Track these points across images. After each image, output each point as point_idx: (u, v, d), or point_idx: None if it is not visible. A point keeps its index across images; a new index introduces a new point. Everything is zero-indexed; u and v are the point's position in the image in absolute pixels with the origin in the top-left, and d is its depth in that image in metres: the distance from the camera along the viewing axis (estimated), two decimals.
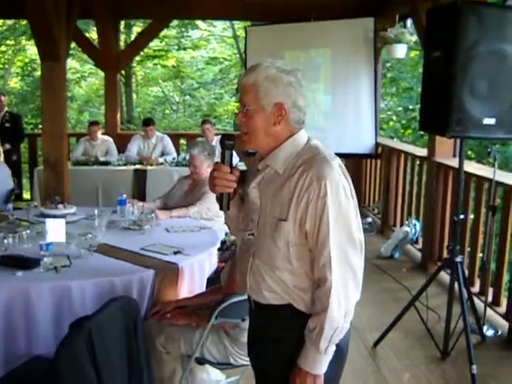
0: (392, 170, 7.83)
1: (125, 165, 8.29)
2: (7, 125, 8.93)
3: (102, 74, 11.24)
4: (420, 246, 6.86)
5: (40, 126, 12.08)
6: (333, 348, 2.13)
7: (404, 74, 15.31)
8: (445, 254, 5.91)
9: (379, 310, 5.25)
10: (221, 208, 2.26)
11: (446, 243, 5.94)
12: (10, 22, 17.20)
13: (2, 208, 5.68)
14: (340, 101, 8.15)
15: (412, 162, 7.42)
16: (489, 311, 4.91)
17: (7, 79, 19.65)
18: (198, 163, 5.13)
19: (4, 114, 9.00)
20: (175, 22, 17.00)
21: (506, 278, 5.09)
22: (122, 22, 15.01)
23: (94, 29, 11.72)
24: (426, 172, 6.64)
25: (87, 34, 12.33)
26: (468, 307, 4.30)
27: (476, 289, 5.37)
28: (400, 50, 7.62)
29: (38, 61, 7.16)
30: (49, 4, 6.13)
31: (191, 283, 3.77)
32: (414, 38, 7.43)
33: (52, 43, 6.42)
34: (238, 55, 19.04)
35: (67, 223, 4.19)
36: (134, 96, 20.27)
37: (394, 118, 15.94)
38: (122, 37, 15.43)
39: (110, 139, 8.96)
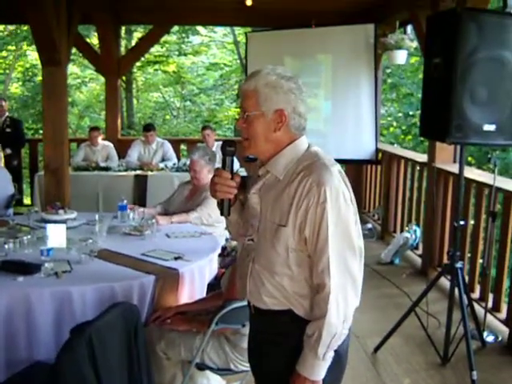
0: (392, 175, 7.84)
1: (125, 170, 8.30)
2: (8, 130, 8.94)
3: (102, 79, 11.26)
4: (420, 251, 6.86)
5: (41, 132, 12.11)
6: (331, 354, 2.13)
7: (404, 79, 15.33)
8: (445, 260, 5.91)
9: (379, 315, 5.25)
10: (221, 214, 2.27)
11: (446, 249, 5.94)
12: (11, 27, 17.26)
13: (2, 213, 5.70)
14: (340, 107, 8.15)
15: (412, 168, 7.42)
16: (489, 317, 4.91)
17: (8, 84, 19.67)
18: (198, 168, 5.13)
19: (5, 119, 9.02)
20: (176, 28, 17.04)
21: (506, 283, 5.09)
22: (123, 28, 15.06)
23: (95, 34, 11.76)
24: (427, 178, 6.65)
25: (88, 40, 12.35)
26: (468, 313, 4.30)
27: (476, 295, 5.37)
28: (400, 56, 7.63)
29: (39, 66, 7.17)
30: (50, 9, 6.14)
31: (191, 289, 3.77)
32: (415, 44, 7.44)
33: (53, 48, 6.43)
34: (238, 61, 19.08)
35: (68, 228, 4.19)
36: (135, 101, 20.30)
37: (395, 123, 15.95)
38: (123, 42, 15.48)
39: (111, 145, 8.97)
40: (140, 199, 7.68)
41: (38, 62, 7.43)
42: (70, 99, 17.29)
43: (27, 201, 9.95)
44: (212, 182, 2.24)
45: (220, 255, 4.16)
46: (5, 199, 6.31)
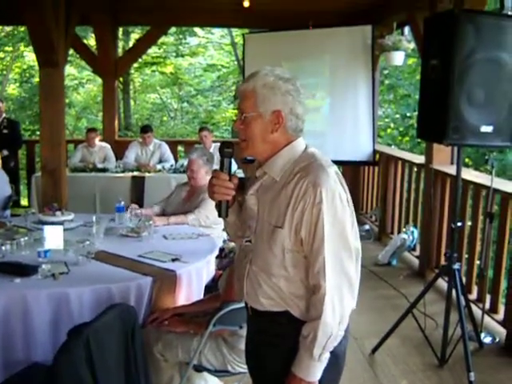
0: (390, 177, 7.85)
1: (122, 172, 8.29)
2: (5, 131, 8.91)
3: (100, 80, 11.22)
4: (417, 253, 6.87)
5: (38, 133, 12.06)
6: (327, 355, 2.13)
7: (402, 81, 15.33)
8: (442, 261, 5.93)
9: (377, 317, 5.25)
10: (219, 215, 2.27)
11: (443, 250, 5.95)
12: (8, 28, 17.22)
13: None
14: (338, 108, 8.16)
15: (409, 169, 7.43)
16: (486, 318, 4.92)
17: (5, 85, 19.64)
18: (195, 168, 5.11)
19: (2, 120, 8.98)
20: (173, 29, 17.01)
21: (503, 284, 5.09)
22: (121, 29, 15.01)
23: (93, 35, 11.75)
24: (424, 179, 6.65)
25: (85, 41, 12.37)
26: (466, 314, 4.31)
27: (474, 296, 5.38)
28: (398, 58, 7.64)
29: (37, 67, 7.18)
30: (47, 11, 6.14)
31: (189, 290, 3.77)
32: (412, 45, 7.46)
33: (50, 50, 6.43)
34: (235, 62, 19.07)
35: (65, 230, 4.19)
36: (132, 103, 20.27)
37: (392, 125, 15.95)
38: (120, 43, 15.41)
39: (108, 146, 8.96)
40: (137, 200, 7.65)
41: (36, 63, 7.44)
42: (67, 100, 17.27)
43: (24, 202, 9.94)
44: (210, 183, 2.24)
45: (217, 257, 4.16)
46: (2, 200, 6.30)
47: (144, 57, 16.23)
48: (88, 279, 3.46)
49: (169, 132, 19.48)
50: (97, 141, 8.80)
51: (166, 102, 21.64)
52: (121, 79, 16.35)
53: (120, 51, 12.24)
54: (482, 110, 3.90)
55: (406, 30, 8.08)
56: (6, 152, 8.70)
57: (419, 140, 10.60)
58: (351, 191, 2.17)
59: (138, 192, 7.91)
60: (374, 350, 4.58)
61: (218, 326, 3.12)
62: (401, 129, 15.52)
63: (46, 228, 4.05)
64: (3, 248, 3.85)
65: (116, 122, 10.45)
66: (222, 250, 4.22)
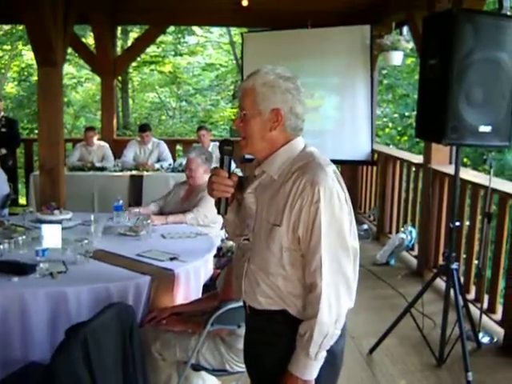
0: (388, 176, 7.85)
1: (121, 171, 8.28)
2: (3, 130, 8.90)
3: (98, 79, 11.20)
4: (416, 252, 6.87)
5: (36, 131, 12.07)
6: (323, 354, 2.13)
7: (400, 80, 15.34)
8: (440, 261, 5.93)
9: (375, 316, 5.25)
10: (218, 212, 2.27)
11: (441, 250, 5.95)
12: (6, 26, 17.20)
13: None
14: (336, 107, 8.17)
15: (408, 169, 7.43)
16: (484, 318, 4.92)
17: (3, 84, 19.62)
18: (193, 166, 5.11)
19: (0, 118, 8.98)
20: (172, 28, 17.02)
21: (501, 284, 5.09)
22: (119, 28, 15.03)
23: (91, 34, 11.74)
24: (422, 179, 6.66)
25: (84, 40, 12.36)
26: (463, 314, 4.31)
27: (472, 296, 5.38)
28: (396, 57, 7.64)
29: (35, 66, 7.16)
30: (46, 9, 6.12)
31: (187, 289, 3.77)
32: (411, 45, 7.46)
33: (49, 48, 6.42)
34: (234, 61, 19.07)
35: (63, 229, 4.20)
36: (131, 102, 20.26)
37: (390, 124, 15.95)
38: (119, 42, 15.42)
39: (106, 145, 8.95)
40: (135, 199, 7.67)
41: (34, 62, 7.41)
42: (65, 99, 17.26)
43: (22, 201, 9.94)
44: (209, 180, 2.25)
45: (215, 256, 4.16)
46: (0, 199, 6.30)
47: (143, 56, 16.23)
48: (86, 278, 3.47)
49: (167, 131, 19.46)
50: (95, 140, 8.79)
51: (165, 101, 21.62)
52: (119, 78, 16.33)
53: (119, 50, 12.26)
54: (480, 109, 3.90)
55: (405, 29, 8.08)
56: (4, 151, 8.70)
57: (418, 140, 10.61)
58: (349, 191, 2.17)
59: (136, 191, 7.90)
60: (372, 349, 4.58)
61: (215, 326, 3.12)
62: (399, 128, 15.52)
63: (44, 227, 4.04)
64: (1, 247, 3.86)
65: (114, 120, 10.46)
66: (219, 248, 4.22)
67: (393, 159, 7.83)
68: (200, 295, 3.88)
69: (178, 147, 11.16)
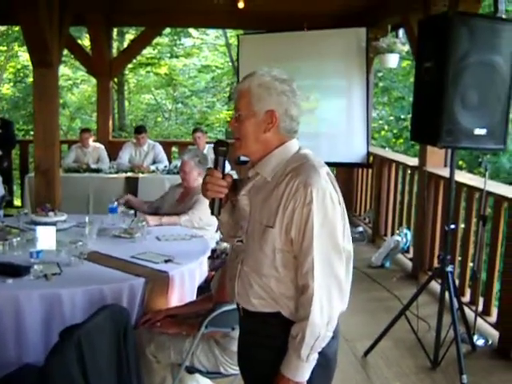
0: (383, 179, 7.85)
1: (116, 172, 8.28)
2: None
3: (94, 81, 11.22)
4: (411, 255, 6.87)
5: (32, 133, 12.04)
6: (315, 356, 2.13)
7: (396, 83, 15.36)
8: (435, 264, 5.92)
9: (369, 319, 5.25)
10: (212, 213, 2.28)
11: (436, 253, 5.95)
12: (2, 28, 17.17)
13: None
14: (332, 110, 8.15)
15: (403, 172, 7.44)
16: (479, 321, 4.93)
17: None
18: (187, 169, 5.12)
19: None
20: (168, 30, 17.00)
21: (496, 287, 5.10)
22: (115, 30, 15.00)
23: (87, 36, 11.72)
24: (418, 181, 6.66)
25: (80, 41, 12.32)
26: (458, 317, 4.31)
27: (466, 298, 5.38)
28: (392, 60, 7.65)
29: (31, 67, 7.15)
30: (41, 10, 6.12)
31: (181, 292, 3.76)
32: (406, 47, 7.47)
33: (44, 50, 6.41)
34: (230, 63, 19.05)
35: (58, 231, 4.18)
36: (126, 103, 20.22)
37: (386, 127, 15.97)
38: (115, 44, 15.40)
39: (102, 146, 8.95)
40: None
41: (30, 63, 7.41)
42: (61, 101, 17.22)
43: (18, 202, 9.91)
44: (204, 180, 2.25)
45: (209, 258, 4.14)
46: None
47: (138, 57, 16.20)
48: (80, 280, 3.46)
49: (163, 133, 19.44)
50: (91, 141, 8.78)
51: (161, 103, 21.61)
52: (115, 80, 16.27)
53: (115, 52, 12.25)
54: (475, 112, 3.91)
55: (401, 32, 8.10)
56: None
57: (413, 142, 10.63)
58: (345, 193, 2.18)
59: (131, 193, 7.83)
60: (367, 352, 4.58)
61: (210, 328, 3.12)
62: (395, 131, 15.54)
63: (39, 228, 4.03)
64: None
65: (110, 122, 10.45)
66: (214, 250, 4.20)
67: (388, 162, 7.84)
68: (194, 297, 3.88)
69: (174, 149, 11.16)
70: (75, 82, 20.26)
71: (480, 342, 4.75)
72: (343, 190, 2.17)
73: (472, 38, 3.81)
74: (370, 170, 8.58)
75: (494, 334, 4.85)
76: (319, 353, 2.14)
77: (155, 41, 15.41)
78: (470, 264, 5.39)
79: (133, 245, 4.29)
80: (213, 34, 19.52)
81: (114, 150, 9.09)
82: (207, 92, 20.91)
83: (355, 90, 7.96)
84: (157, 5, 8.78)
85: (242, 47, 8.75)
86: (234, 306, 2.48)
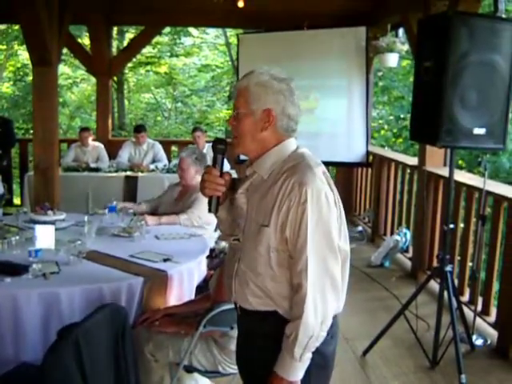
0: (383, 178, 7.85)
1: (116, 171, 8.28)
2: None
3: (93, 79, 11.19)
4: (410, 254, 6.87)
5: (31, 131, 12.04)
6: (309, 355, 2.13)
7: (396, 82, 15.34)
8: (435, 263, 5.93)
9: (369, 318, 5.25)
10: (210, 211, 2.29)
11: (436, 252, 5.95)
12: (2, 26, 17.17)
13: None
14: (332, 109, 8.15)
15: (403, 171, 7.44)
16: (478, 320, 4.92)
17: None
18: (185, 166, 5.11)
19: None
20: (168, 29, 17.00)
21: (495, 287, 5.10)
22: (115, 28, 15.01)
23: (87, 34, 11.71)
24: (417, 181, 6.66)
25: (79, 40, 12.31)
26: (457, 316, 4.31)
27: (465, 298, 5.38)
28: (392, 59, 7.65)
29: (30, 66, 7.14)
30: (41, 9, 6.12)
31: (180, 291, 3.76)
32: (406, 47, 7.46)
33: (44, 49, 6.42)
34: (230, 62, 19.06)
35: (56, 229, 4.18)
36: (126, 102, 20.22)
37: (386, 126, 15.96)
38: (115, 43, 15.38)
39: (101, 145, 8.95)
40: (130, 200, 7.64)
41: (29, 62, 7.41)
42: (60, 99, 17.24)
43: (17, 201, 9.91)
44: (202, 178, 2.26)
45: (208, 257, 4.14)
46: None
47: (138, 56, 16.22)
48: (79, 279, 3.45)
49: (163, 132, 19.45)
50: (90, 140, 8.78)
51: (160, 102, 21.62)
52: (115, 79, 16.27)
53: (114, 51, 12.25)
54: (474, 112, 3.91)
55: (400, 31, 8.10)
56: None
57: (413, 142, 10.63)
58: (344, 193, 2.18)
59: (131, 192, 7.90)
60: (366, 351, 4.58)
61: (208, 327, 3.11)
62: (394, 130, 15.53)
63: (38, 227, 4.03)
64: None
65: (110, 121, 10.44)
66: (212, 250, 4.20)
67: (388, 161, 7.84)
68: (193, 296, 3.87)
69: (174, 148, 11.16)
70: (75, 81, 20.27)
71: (479, 342, 4.75)
72: (343, 189, 2.17)
73: (472, 38, 3.81)
74: (370, 170, 8.57)
75: (493, 333, 4.85)
76: (317, 352, 2.14)
77: (155, 40, 15.42)
78: (469, 264, 5.39)
79: (131, 244, 4.29)
80: (213, 33, 19.54)
81: (113, 149, 9.09)
82: (207, 91, 20.92)
83: (355, 90, 7.96)
84: (157, 4, 8.79)
85: (242, 46, 8.75)
86: (232, 306, 2.48)
